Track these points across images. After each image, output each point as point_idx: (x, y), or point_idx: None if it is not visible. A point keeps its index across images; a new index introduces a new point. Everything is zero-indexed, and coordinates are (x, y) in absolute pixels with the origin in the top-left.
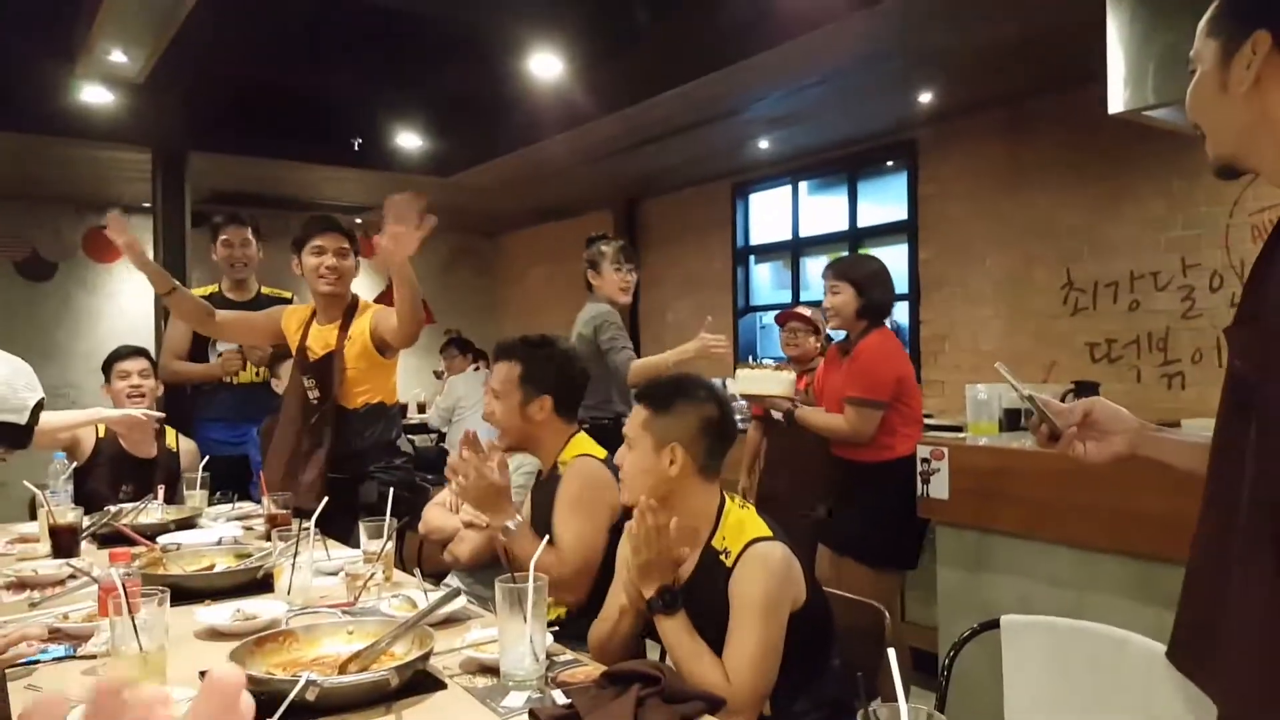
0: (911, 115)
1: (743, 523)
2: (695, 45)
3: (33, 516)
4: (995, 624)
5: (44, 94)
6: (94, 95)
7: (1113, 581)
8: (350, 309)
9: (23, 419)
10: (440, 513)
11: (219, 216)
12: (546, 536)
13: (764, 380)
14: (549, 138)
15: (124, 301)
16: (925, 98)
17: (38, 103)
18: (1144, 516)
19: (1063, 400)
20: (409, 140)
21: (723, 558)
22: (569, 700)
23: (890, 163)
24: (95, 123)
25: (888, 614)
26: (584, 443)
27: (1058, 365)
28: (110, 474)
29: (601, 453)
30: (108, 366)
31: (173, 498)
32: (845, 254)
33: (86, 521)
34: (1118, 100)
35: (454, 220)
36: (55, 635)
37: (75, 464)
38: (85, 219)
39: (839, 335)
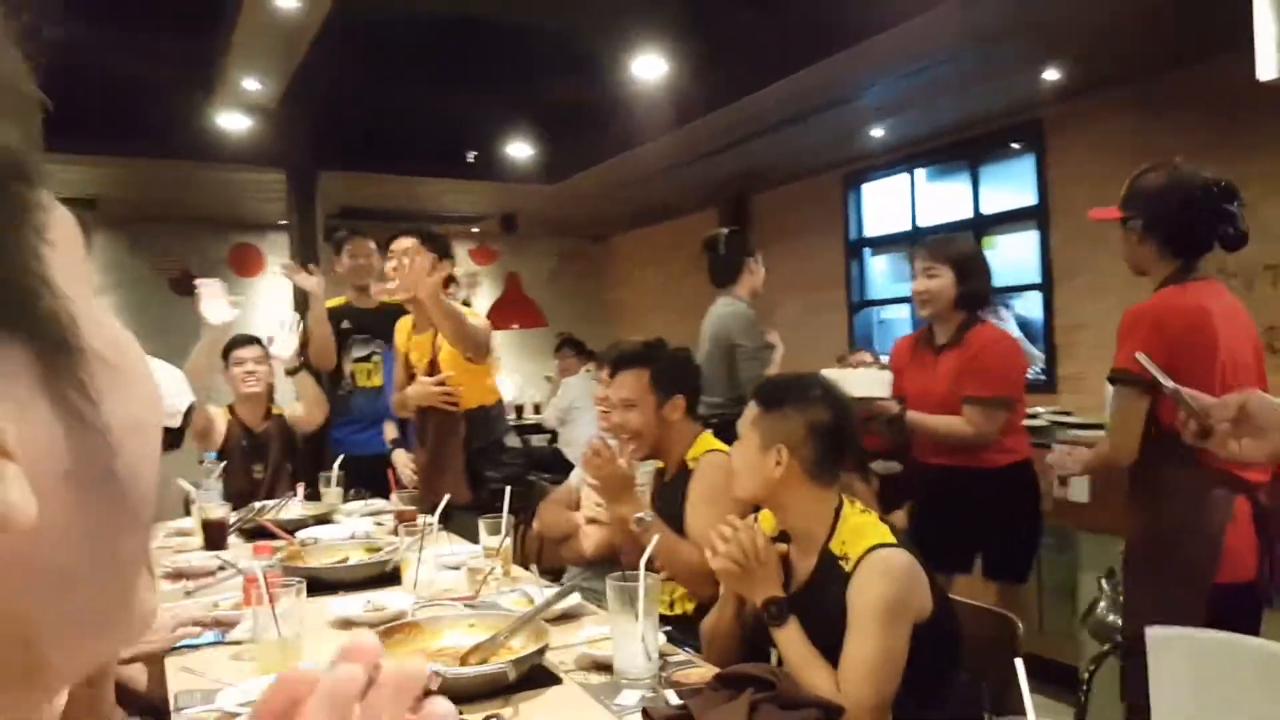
0: (1037, 94)
1: (863, 528)
2: (802, 34)
3: (188, 513)
4: (1140, 637)
5: (188, 123)
6: (231, 122)
7: None
8: None
9: (176, 422)
10: (557, 510)
11: (342, 231)
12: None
13: (860, 381)
14: (654, 139)
15: (264, 313)
16: (1051, 75)
17: (183, 131)
18: None
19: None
20: (519, 150)
21: (841, 563)
22: (682, 701)
23: (1015, 145)
24: (234, 147)
25: (1020, 624)
26: (711, 440)
27: None
28: (241, 454)
29: (728, 449)
30: (226, 353)
31: (294, 457)
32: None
33: (234, 517)
34: (1269, 66)
35: (561, 225)
36: (206, 622)
37: (225, 463)
38: (229, 237)
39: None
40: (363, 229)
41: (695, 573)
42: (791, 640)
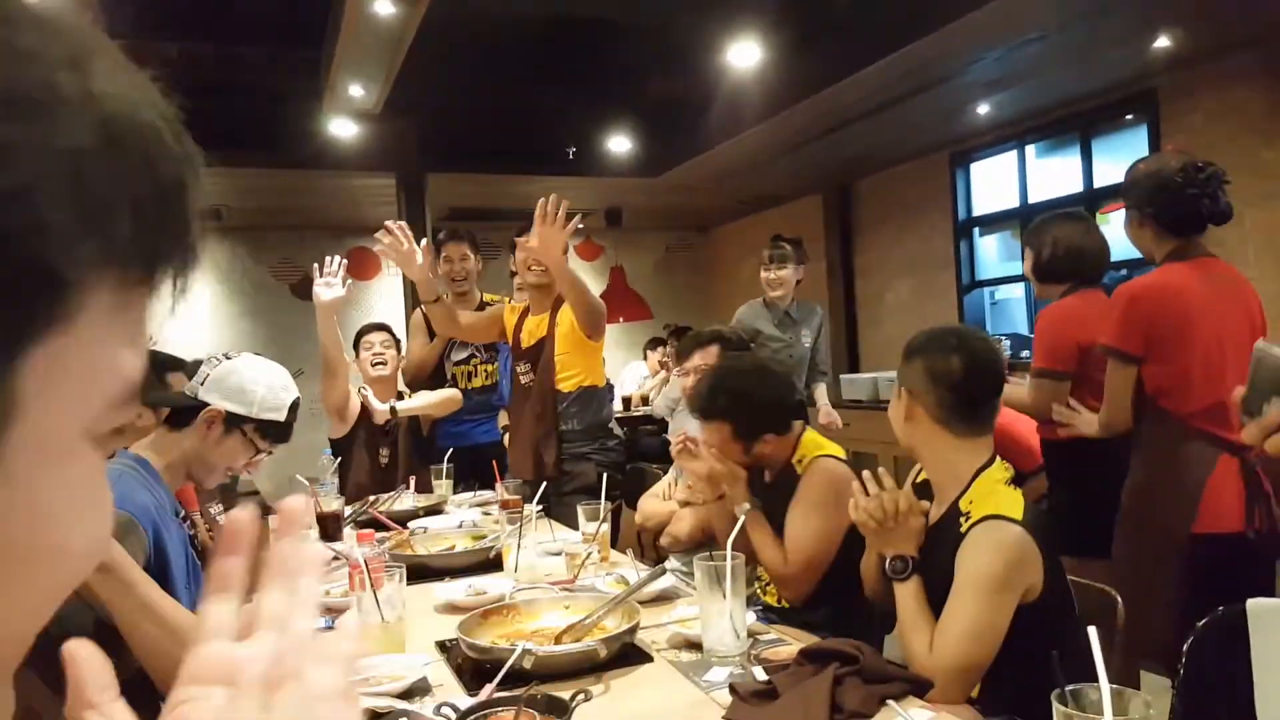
0: (1150, 62)
1: (994, 494)
2: (900, 11)
3: None
4: (1241, 609)
5: (301, 133)
6: (341, 129)
7: None
8: (559, 300)
9: (282, 416)
10: (655, 502)
11: (440, 234)
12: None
13: None
14: (754, 127)
15: (379, 315)
16: (1164, 42)
17: (297, 141)
18: None
19: None
20: (619, 144)
21: (962, 519)
22: (768, 677)
23: (1129, 116)
24: (344, 154)
25: (1120, 598)
26: (816, 439)
27: None
28: (370, 437)
29: (840, 451)
30: (356, 340)
31: (418, 447)
32: None
33: (348, 510)
34: None
35: (666, 218)
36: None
37: (354, 443)
38: (344, 241)
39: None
40: (461, 230)
41: (775, 576)
42: (908, 596)
